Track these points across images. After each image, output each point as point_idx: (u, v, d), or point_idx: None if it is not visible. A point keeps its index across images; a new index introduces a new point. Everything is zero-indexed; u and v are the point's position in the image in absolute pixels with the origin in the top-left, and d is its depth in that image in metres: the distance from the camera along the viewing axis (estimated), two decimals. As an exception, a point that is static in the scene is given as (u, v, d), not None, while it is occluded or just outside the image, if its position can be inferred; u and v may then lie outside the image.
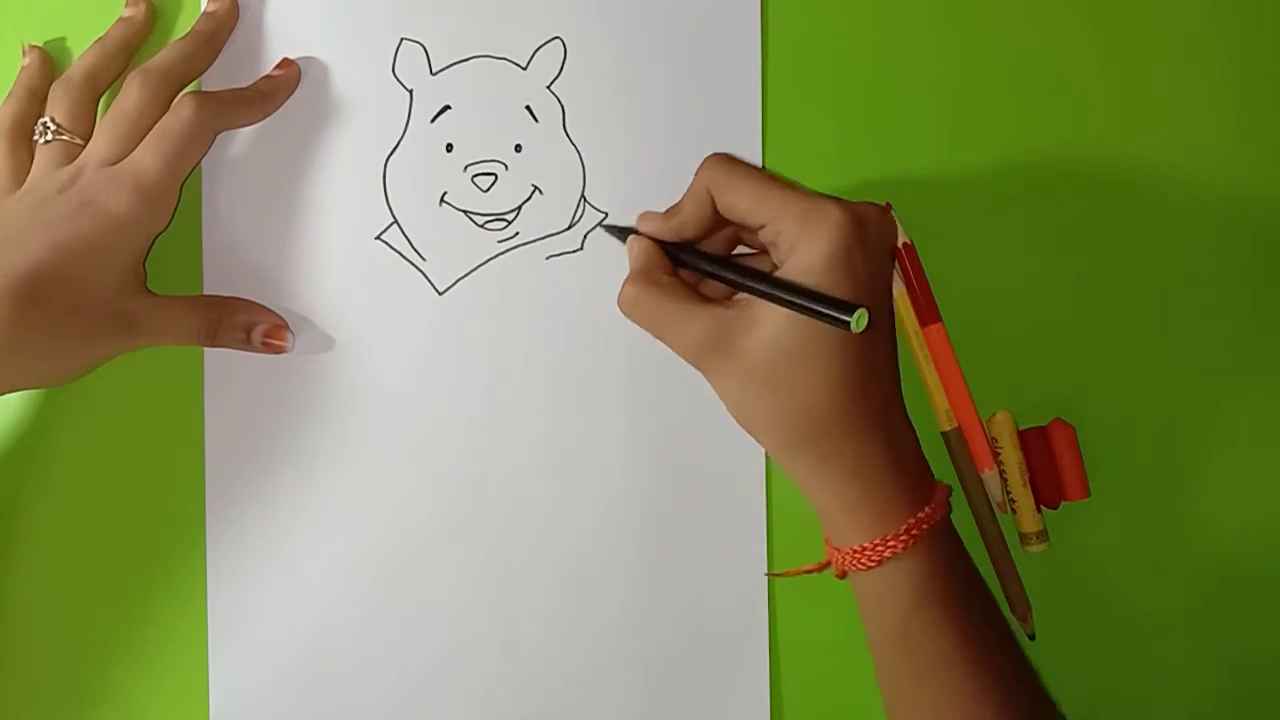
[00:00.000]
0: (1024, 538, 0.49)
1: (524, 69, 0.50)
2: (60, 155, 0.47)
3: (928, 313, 0.49)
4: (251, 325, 0.48)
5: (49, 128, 0.47)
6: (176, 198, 0.47)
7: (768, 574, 0.50)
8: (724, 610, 0.50)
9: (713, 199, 0.45)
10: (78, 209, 0.45)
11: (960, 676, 0.44)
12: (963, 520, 0.48)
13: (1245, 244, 0.50)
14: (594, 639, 0.50)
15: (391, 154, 0.50)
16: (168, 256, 0.49)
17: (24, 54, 0.49)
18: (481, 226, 0.50)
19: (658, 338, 0.45)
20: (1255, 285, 0.50)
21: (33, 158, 0.48)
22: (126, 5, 0.50)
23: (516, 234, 0.50)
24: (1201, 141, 0.50)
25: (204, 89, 0.49)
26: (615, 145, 0.50)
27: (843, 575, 0.46)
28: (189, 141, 0.46)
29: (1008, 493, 0.49)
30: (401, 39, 0.50)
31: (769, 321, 0.43)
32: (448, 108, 0.50)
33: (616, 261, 0.48)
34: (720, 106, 0.50)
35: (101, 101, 0.49)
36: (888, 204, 0.49)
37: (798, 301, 0.42)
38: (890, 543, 0.43)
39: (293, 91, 0.49)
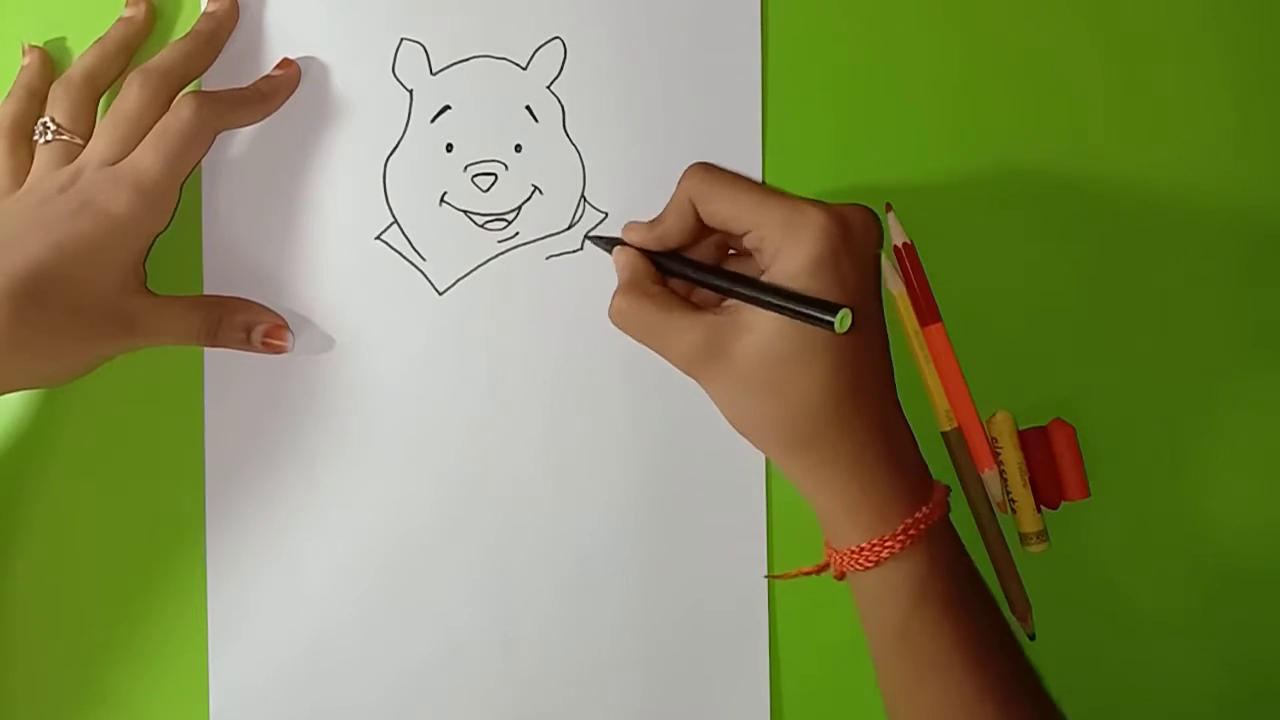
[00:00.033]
0: (1024, 538, 0.49)
1: (524, 69, 0.50)
2: (60, 155, 0.47)
3: (928, 313, 0.49)
4: (251, 325, 0.48)
5: (49, 128, 0.47)
6: (176, 198, 0.47)
7: (767, 576, 0.50)
8: (724, 611, 0.50)
9: (695, 209, 0.45)
10: (78, 209, 0.45)
11: (960, 676, 0.44)
12: (963, 520, 0.48)
13: (1245, 244, 0.50)
14: (594, 639, 0.50)
15: (391, 154, 0.50)
16: (168, 256, 0.49)
17: (24, 54, 0.49)
18: (481, 226, 0.50)
19: (650, 348, 0.45)
20: (1255, 285, 0.50)
21: (33, 158, 0.48)
22: (126, 5, 0.50)
23: (516, 234, 0.50)
24: (1201, 142, 0.50)
25: (204, 89, 0.49)
26: (615, 145, 0.50)
27: (841, 576, 0.46)
28: (189, 141, 0.46)
29: (1008, 493, 0.49)
30: (401, 39, 0.50)
31: (759, 326, 0.43)
32: (448, 108, 0.50)
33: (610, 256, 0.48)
34: (720, 106, 0.50)
35: (101, 101, 0.49)
36: (888, 204, 0.49)
37: (782, 304, 0.42)
38: (888, 543, 0.43)
39: (293, 91, 0.49)
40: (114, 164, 0.46)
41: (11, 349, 0.44)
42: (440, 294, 0.50)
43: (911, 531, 0.43)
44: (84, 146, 0.47)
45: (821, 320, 0.41)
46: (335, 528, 0.50)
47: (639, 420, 0.50)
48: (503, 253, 0.50)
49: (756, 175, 0.50)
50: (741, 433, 0.45)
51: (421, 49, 0.50)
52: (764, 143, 0.50)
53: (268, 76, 0.49)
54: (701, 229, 0.46)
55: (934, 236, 0.49)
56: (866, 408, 0.44)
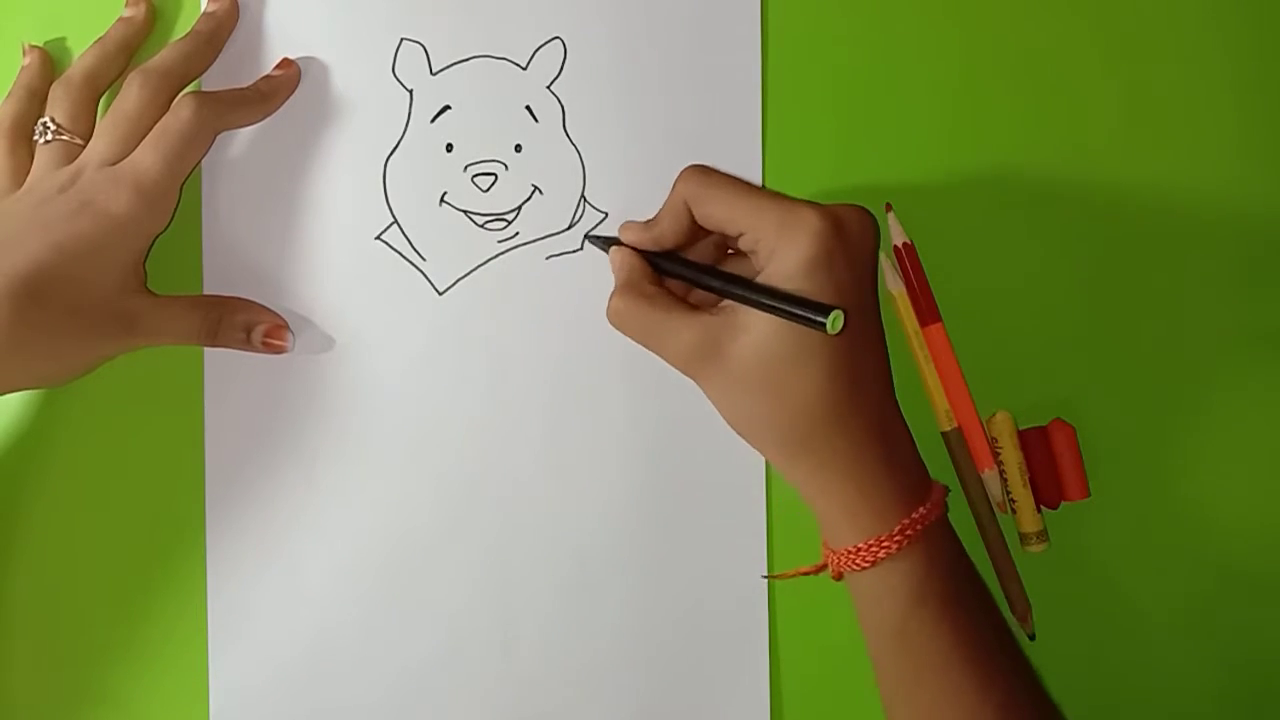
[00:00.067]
0: (1024, 538, 0.49)
1: (524, 69, 0.50)
2: (60, 155, 0.47)
3: (928, 313, 0.49)
4: (252, 325, 0.48)
5: (49, 128, 0.47)
6: (176, 198, 0.47)
7: (765, 576, 0.49)
8: (724, 611, 0.50)
9: (690, 211, 0.45)
10: (78, 209, 0.45)
11: (959, 676, 0.44)
12: (963, 520, 0.48)
13: (1245, 244, 0.50)
14: (594, 639, 0.50)
15: (391, 154, 0.50)
16: (168, 256, 0.49)
17: (24, 54, 0.49)
18: (481, 226, 0.50)
19: (648, 348, 0.45)
20: (1255, 285, 0.50)
21: (33, 158, 0.48)
22: (126, 5, 0.50)
23: (516, 234, 0.50)
24: (1201, 142, 0.50)
25: (204, 89, 0.49)
26: (615, 145, 0.50)
27: (839, 577, 0.46)
28: (189, 141, 0.46)
29: (1008, 493, 0.49)
30: (401, 39, 0.50)
31: (755, 326, 0.43)
32: (448, 108, 0.50)
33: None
34: (720, 107, 0.50)
35: (101, 101, 0.49)
36: (888, 204, 0.49)
37: (775, 305, 0.42)
38: (885, 543, 0.43)
39: (293, 91, 0.49)
40: (114, 164, 0.46)
41: (11, 349, 0.44)
42: (440, 294, 0.50)
43: (909, 532, 0.43)
44: (84, 146, 0.47)
45: (813, 321, 0.41)
46: (335, 528, 0.50)
47: (639, 420, 0.50)
48: (503, 253, 0.50)
49: (756, 176, 0.50)
50: (738, 433, 0.45)
51: (421, 49, 0.50)
52: (764, 143, 0.50)
53: (268, 76, 0.49)
54: (697, 230, 0.46)
55: (934, 236, 0.49)
56: (863, 408, 0.44)
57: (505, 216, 0.50)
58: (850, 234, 0.43)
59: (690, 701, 0.50)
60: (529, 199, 0.50)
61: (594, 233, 0.49)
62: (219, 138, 0.49)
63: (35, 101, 0.49)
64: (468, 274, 0.50)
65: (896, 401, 0.46)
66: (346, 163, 0.50)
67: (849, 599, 0.46)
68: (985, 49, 0.50)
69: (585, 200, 0.50)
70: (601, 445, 0.50)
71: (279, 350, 0.48)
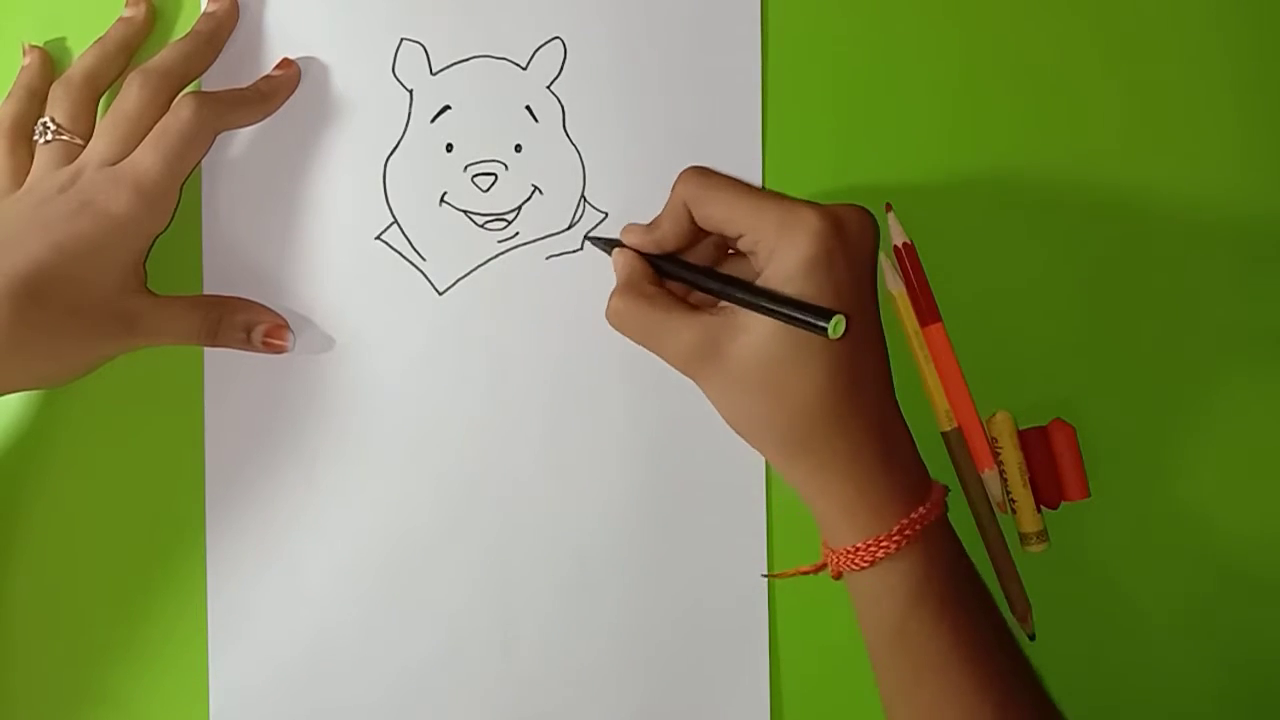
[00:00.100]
0: (1024, 538, 0.49)
1: (524, 69, 0.50)
2: (60, 155, 0.47)
3: (928, 313, 0.49)
4: (252, 325, 0.48)
5: (49, 128, 0.47)
6: (176, 198, 0.47)
7: (765, 575, 0.50)
8: (724, 610, 0.50)
9: (690, 212, 0.45)
10: (78, 209, 0.45)
11: (958, 676, 0.44)
12: (963, 520, 0.48)
13: (1246, 245, 0.50)
14: (594, 639, 0.50)
15: (391, 154, 0.50)
16: (168, 256, 0.49)
17: (24, 54, 0.49)
18: (481, 226, 0.50)
19: (647, 348, 0.45)
20: (1255, 285, 0.50)
21: (33, 158, 0.48)
22: (126, 5, 0.50)
23: (516, 234, 0.50)
24: (1201, 142, 0.50)
25: (204, 89, 0.49)
26: (615, 145, 0.50)
27: (838, 576, 0.46)
28: (189, 141, 0.46)
29: (1008, 493, 0.49)
30: (401, 39, 0.50)
31: (755, 327, 0.43)
32: (448, 108, 0.50)
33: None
34: (720, 107, 0.50)
35: (101, 101, 0.49)
36: (888, 205, 0.49)
37: (776, 309, 0.42)
38: (884, 543, 0.43)
39: (293, 91, 0.49)
40: (114, 164, 0.46)
41: (12, 349, 0.44)
42: (440, 294, 0.50)
43: (908, 532, 0.43)
44: (84, 146, 0.47)
45: (815, 326, 0.40)
46: (335, 528, 0.50)
47: (639, 420, 0.50)
48: (503, 253, 0.50)
49: (756, 176, 0.50)
50: (738, 433, 0.45)
51: (421, 49, 0.50)
52: (764, 143, 0.50)
53: (268, 76, 0.49)
54: (698, 232, 0.46)
55: (934, 236, 0.49)
56: (862, 408, 0.44)
57: (505, 216, 0.50)
58: (850, 234, 0.43)
59: (690, 701, 0.50)
60: (529, 199, 0.50)
61: (596, 235, 0.49)
62: (219, 138, 0.49)
63: (35, 101, 0.49)
64: (468, 274, 0.50)
65: (896, 401, 0.46)
66: (346, 163, 0.50)
67: (849, 598, 0.46)
68: (985, 49, 0.50)
69: (585, 200, 0.50)
70: (601, 445, 0.50)
71: (279, 350, 0.48)
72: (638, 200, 0.49)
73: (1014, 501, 0.49)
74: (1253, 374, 0.50)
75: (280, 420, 0.49)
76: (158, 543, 0.50)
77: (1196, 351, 0.50)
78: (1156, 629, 0.50)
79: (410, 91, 0.50)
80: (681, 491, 0.50)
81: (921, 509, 0.44)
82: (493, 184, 0.50)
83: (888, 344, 0.46)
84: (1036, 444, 0.49)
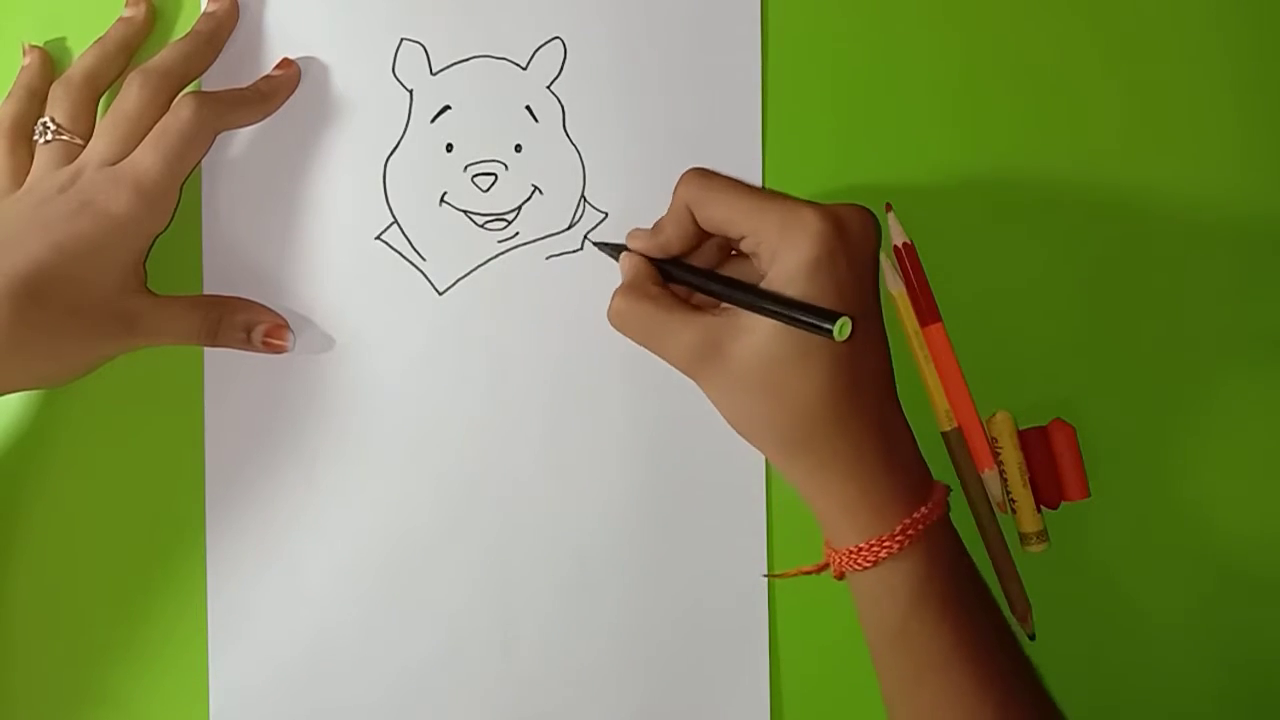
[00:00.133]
0: (1024, 538, 0.49)
1: (524, 69, 0.50)
2: (60, 155, 0.47)
3: (928, 313, 0.49)
4: (252, 325, 0.48)
5: (49, 128, 0.47)
6: (176, 198, 0.47)
7: (766, 575, 0.50)
8: (724, 610, 0.50)
9: (693, 215, 0.45)
10: (78, 209, 0.45)
11: (960, 676, 0.44)
12: (963, 520, 0.48)
13: (1245, 245, 0.50)
14: (594, 639, 0.50)
15: (391, 154, 0.50)
16: (168, 256, 0.49)
17: (24, 54, 0.49)
18: (481, 226, 0.50)
19: (649, 348, 0.45)
20: (1255, 285, 0.50)
21: (33, 158, 0.48)
22: (126, 5, 0.50)
23: (516, 234, 0.50)
24: (1201, 142, 0.50)
25: (204, 89, 0.49)
26: (615, 145, 0.50)
27: (840, 576, 0.46)
28: (189, 141, 0.46)
29: (1008, 493, 0.49)
30: (401, 39, 0.50)
31: (756, 328, 0.43)
32: (448, 108, 0.50)
33: (616, 262, 0.48)
34: (720, 107, 0.50)
35: (101, 101, 0.49)
36: (888, 205, 0.49)
37: (782, 312, 0.42)
38: (886, 543, 0.43)
39: (293, 91, 0.49)
40: (114, 164, 0.46)
41: (12, 349, 0.44)
42: (440, 294, 0.50)
43: (910, 532, 0.43)
44: (84, 146, 0.47)
45: (820, 329, 0.40)
46: (335, 528, 0.50)
47: (639, 420, 0.50)
48: (503, 253, 0.50)
49: (756, 176, 0.50)
50: (739, 433, 0.45)
51: (421, 49, 0.50)
52: (764, 143, 0.50)
53: (268, 76, 0.49)
54: (702, 234, 0.46)
55: (934, 236, 0.49)
56: (864, 408, 0.44)
57: (505, 216, 0.50)
58: (852, 234, 0.43)
59: (690, 701, 0.50)
60: (529, 199, 0.50)
61: (602, 240, 0.49)
62: (219, 138, 0.49)
63: (35, 101, 0.49)
64: (468, 274, 0.50)
65: (898, 401, 0.46)
66: (346, 163, 0.50)
67: (849, 598, 0.46)
68: (985, 49, 0.50)
69: (585, 200, 0.50)
70: (601, 445, 0.50)
71: (279, 350, 0.48)
72: (638, 200, 0.49)
73: (1014, 501, 0.49)
74: (1253, 374, 0.50)
75: (280, 420, 0.49)
76: (158, 543, 0.50)
77: (1196, 351, 0.50)
78: (1156, 629, 0.50)
79: (410, 91, 0.50)
80: (681, 491, 0.50)
81: (924, 509, 0.44)
82: (493, 184, 0.50)
83: (889, 343, 0.46)
84: (1036, 444, 0.49)
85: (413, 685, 0.50)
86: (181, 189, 0.47)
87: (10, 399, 0.49)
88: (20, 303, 0.43)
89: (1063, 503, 0.50)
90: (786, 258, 0.43)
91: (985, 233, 0.50)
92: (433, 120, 0.50)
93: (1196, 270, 0.50)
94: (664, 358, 0.45)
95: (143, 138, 0.46)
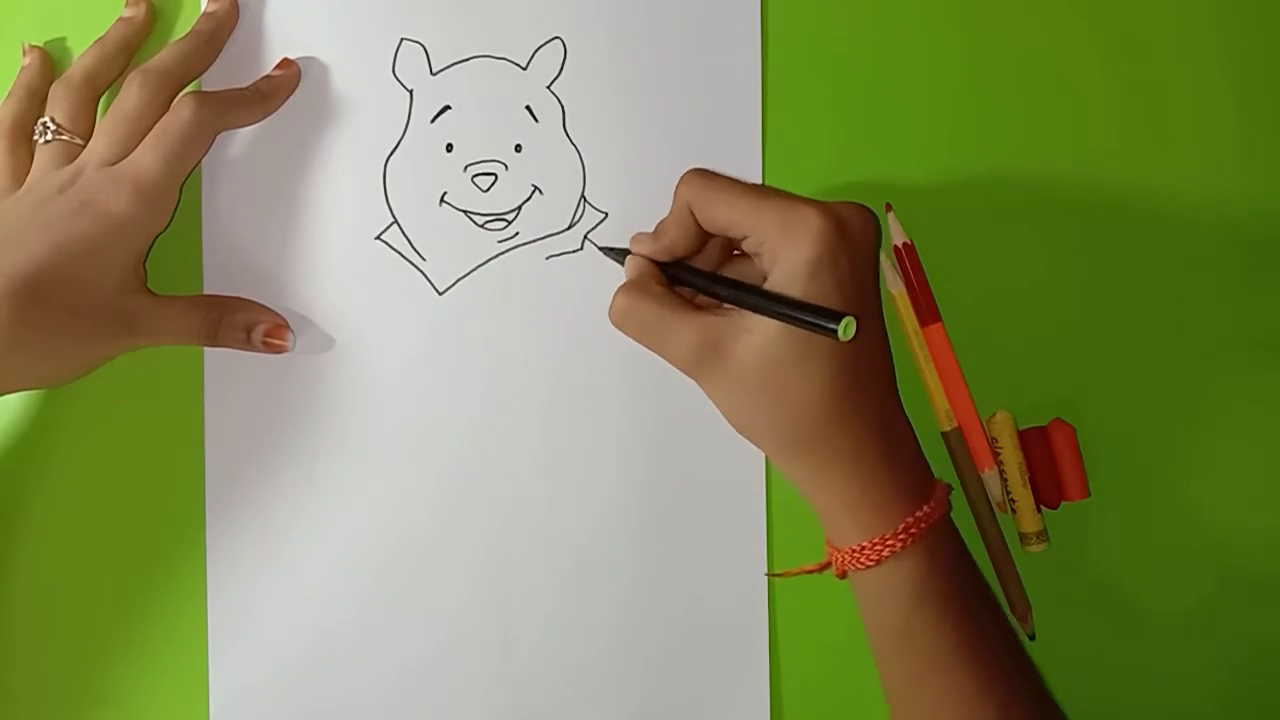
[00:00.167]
0: (1024, 538, 0.49)
1: (524, 69, 0.50)
2: (60, 155, 0.47)
3: (928, 313, 0.49)
4: (252, 325, 0.48)
5: (49, 128, 0.47)
6: (176, 198, 0.47)
7: (768, 574, 0.50)
8: (724, 610, 0.50)
9: (694, 215, 0.45)
10: (78, 209, 0.45)
11: (962, 676, 0.44)
12: (963, 520, 0.48)
13: (1245, 245, 0.50)
14: (593, 639, 0.50)
15: (391, 154, 0.50)
16: (168, 256, 0.49)
17: (24, 54, 0.49)
18: (481, 226, 0.50)
19: (650, 348, 0.45)
20: (1255, 284, 0.50)
21: (33, 158, 0.48)
22: (126, 5, 0.50)
23: (516, 234, 0.50)
24: (1202, 144, 0.50)
25: (204, 89, 0.49)
26: (615, 145, 0.50)
27: (843, 575, 0.46)
28: (189, 141, 0.46)
29: (1008, 493, 0.49)
30: (401, 39, 0.50)
31: (758, 328, 0.43)
32: (448, 108, 0.50)
33: (621, 266, 0.48)
34: (720, 106, 0.50)
35: (101, 101, 0.49)
36: (888, 205, 0.49)
37: (787, 313, 0.42)
38: (889, 541, 0.43)
39: (293, 91, 0.49)
40: (114, 164, 0.46)
41: (12, 349, 0.44)
42: (440, 294, 0.50)
43: (912, 530, 0.43)
44: (84, 146, 0.47)
45: (825, 329, 0.40)
46: (335, 528, 0.50)
47: (639, 420, 0.50)
48: (503, 253, 0.50)
49: (756, 176, 0.50)
50: (740, 433, 0.45)
51: (421, 49, 0.50)
52: (764, 143, 0.50)
53: (268, 76, 0.49)
54: (705, 235, 0.46)
55: (934, 236, 0.49)
56: (866, 407, 0.44)
57: (505, 216, 0.50)
58: (852, 232, 0.43)
59: (690, 701, 0.50)
60: (529, 199, 0.50)
61: (605, 244, 0.49)
62: (219, 138, 0.49)
63: (35, 101, 0.49)
64: (468, 274, 0.50)
65: (899, 399, 0.46)
66: (346, 163, 0.50)
67: (849, 598, 0.46)
68: (985, 49, 0.50)
69: (585, 200, 0.50)
70: (601, 445, 0.50)
71: (279, 350, 0.48)
72: (638, 200, 0.49)
73: (1014, 501, 0.49)
74: (1253, 374, 0.50)
75: (280, 420, 0.49)
76: (158, 543, 0.50)
77: (1196, 351, 0.50)
78: (1156, 629, 0.50)
79: (410, 91, 0.50)
80: (681, 491, 0.50)
81: (926, 507, 0.44)
82: (493, 184, 0.50)
83: (889, 342, 0.46)
84: (1036, 444, 0.49)
85: (413, 685, 0.50)
86: (181, 189, 0.47)
87: (10, 399, 0.49)
88: (20, 303, 0.43)
89: (1063, 503, 0.50)
90: (788, 257, 0.43)
91: (985, 233, 0.50)
92: (433, 120, 0.50)
93: (1196, 270, 0.50)
94: (664, 357, 0.45)
95: (143, 138, 0.46)
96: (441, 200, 0.50)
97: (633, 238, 0.47)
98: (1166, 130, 0.50)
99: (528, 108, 0.50)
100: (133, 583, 0.50)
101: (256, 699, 0.49)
